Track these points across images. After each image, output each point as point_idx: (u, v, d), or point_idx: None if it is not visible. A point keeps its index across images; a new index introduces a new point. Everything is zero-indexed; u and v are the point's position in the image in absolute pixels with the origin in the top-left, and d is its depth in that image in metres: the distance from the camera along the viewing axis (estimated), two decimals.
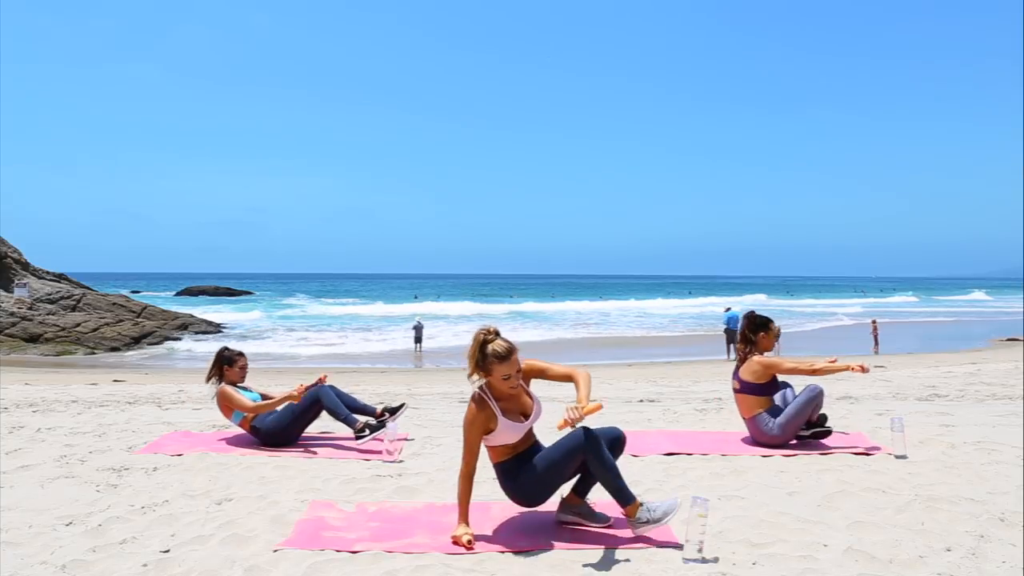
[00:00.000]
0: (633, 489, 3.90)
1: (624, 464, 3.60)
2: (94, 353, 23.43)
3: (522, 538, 3.23)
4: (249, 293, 68.96)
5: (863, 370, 4.85)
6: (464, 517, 3.21)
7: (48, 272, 30.52)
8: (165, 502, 3.78)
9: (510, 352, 3.19)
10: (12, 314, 24.91)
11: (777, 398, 5.02)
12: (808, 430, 4.91)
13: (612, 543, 3.14)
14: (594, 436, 3.16)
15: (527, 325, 35.93)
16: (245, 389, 5.38)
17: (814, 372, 4.93)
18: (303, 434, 5.31)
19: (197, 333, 28.51)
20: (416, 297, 64.54)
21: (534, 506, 3.41)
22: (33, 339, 24.09)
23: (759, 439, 4.97)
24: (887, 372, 11.50)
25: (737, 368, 5.10)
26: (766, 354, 5.04)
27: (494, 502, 3.73)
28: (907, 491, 3.81)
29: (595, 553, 3.04)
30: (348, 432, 5.17)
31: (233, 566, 2.91)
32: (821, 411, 4.94)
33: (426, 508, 3.70)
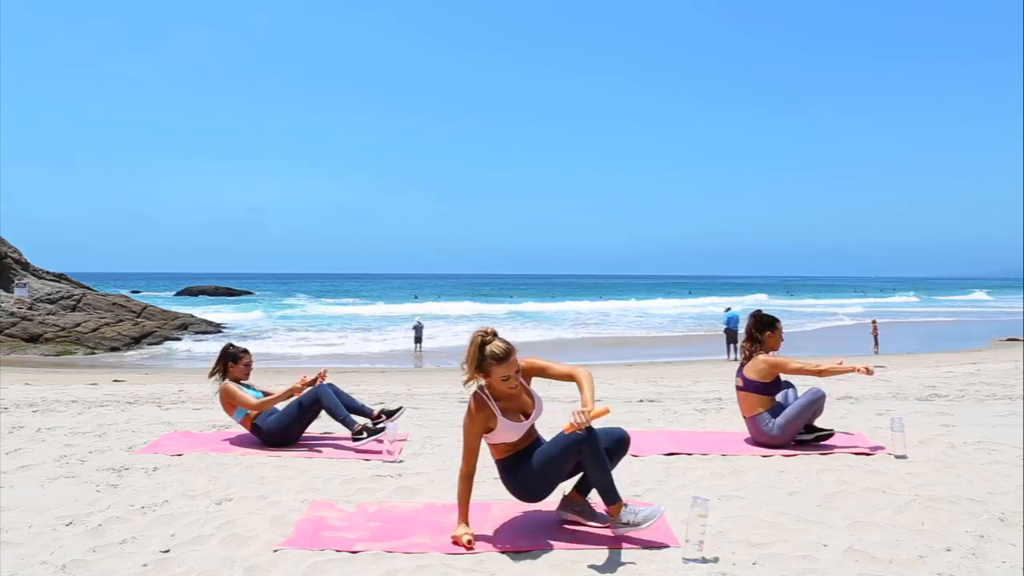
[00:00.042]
0: (633, 489, 3.92)
1: (624, 464, 3.61)
2: (94, 353, 23.43)
3: (522, 538, 3.23)
4: (249, 293, 68.97)
5: (868, 372, 4.85)
6: (464, 517, 3.21)
7: (48, 272, 30.53)
8: (165, 502, 3.78)
9: (508, 353, 3.17)
10: (12, 314, 24.91)
11: (779, 397, 5.02)
12: (809, 434, 4.90)
13: (612, 543, 3.13)
14: (592, 435, 3.15)
15: (527, 325, 35.92)
16: (248, 387, 5.37)
17: (820, 373, 4.92)
18: (303, 434, 5.31)
19: (197, 333, 28.51)
20: (416, 297, 64.54)
21: (535, 502, 3.41)
22: (33, 339, 24.10)
23: (759, 439, 4.96)
24: (887, 372, 11.50)
25: (741, 366, 5.10)
26: (772, 354, 5.04)
27: (494, 502, 3.73)
28: (907, 491, 3.81)
29: (595, 553, 3.04)
30: (348, 432, 5.17)
31: (233, 566, 2.91)
32: (817, 421, 4.93)
33: (426, 508, 3.70)
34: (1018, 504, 3.56)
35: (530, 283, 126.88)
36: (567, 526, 3.38)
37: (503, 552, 3.07)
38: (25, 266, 29.26)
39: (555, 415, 5.56)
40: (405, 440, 5.31)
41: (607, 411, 3.07)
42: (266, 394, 5.32)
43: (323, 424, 5.64)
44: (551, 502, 3.51)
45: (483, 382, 3.25)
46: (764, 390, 4.94)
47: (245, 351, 5.49)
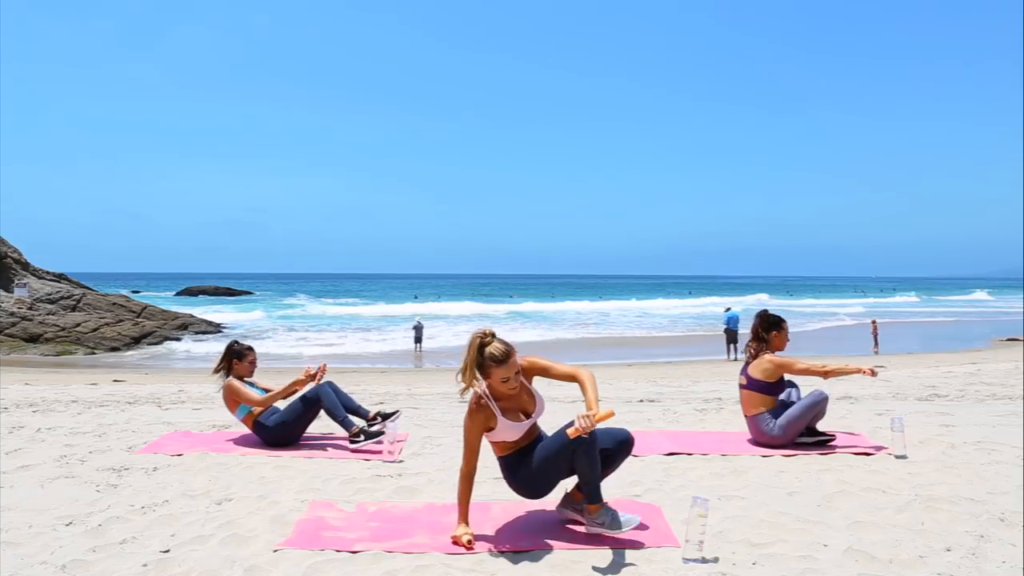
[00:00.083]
0: (633, 489, 3.93)
1: (624, 464, 3.60)
2: (94, 353, 23.43)
3: (522, 538, 3.23)
4: (249, 293, 68.97)
5: (872, 373, 4.86)
6: (464, 517, 3.21)
7: (48, 272, 30.53)
8: (165, 502, 3.78)
9: (508, 355, 3.15)
10: (12, 314, 24.91)
11: (782, 396, 5.01)
12: (811, 437, 4.89)
13: (612, 543, 3.13)
14: (591, 436, 3.14)
15: (527, 325, 35.92)
16: (251, 384, 5.37)
17: (826, 374, 4.92)
18: (303, 434, 5.31)
19: (197, 333, 28.52)
20: (416, 297, 64.55)
21: (537, 498, 3.41)
22: (33, 339, 24.10)
23: (759, 439, 4.96)
24: (887, 372, 11.50)
25: (746, 365, 5.09)
26: (778, 354, 5.03)
27: (494, 502, 3.73)
28: (907, 491, 3.81)
29: (595, 553, 3.04)
30: (346, 433, 5.16)
31: (233, 566, 2.91)
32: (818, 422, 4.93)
33: (426, 508, 3.70)
34: (1018, 504, 3.55)
35: (530, 283, 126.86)
36: (568, 526, 3.38)
37: (503, 552, 3.07)
38: (25, 266, 29.26)
39: (555, 415, 5.56)
40: (405, 440, 5.31)
41: (611, 414, 3.04)
42: (268, 391, 5.32)
43: (323, 424, 5.64)
44: (551, 501, 3.51)
45: (483, 383, 3.24)
46: (768, 390, 4.93)
47: (250, 348, 5.48)
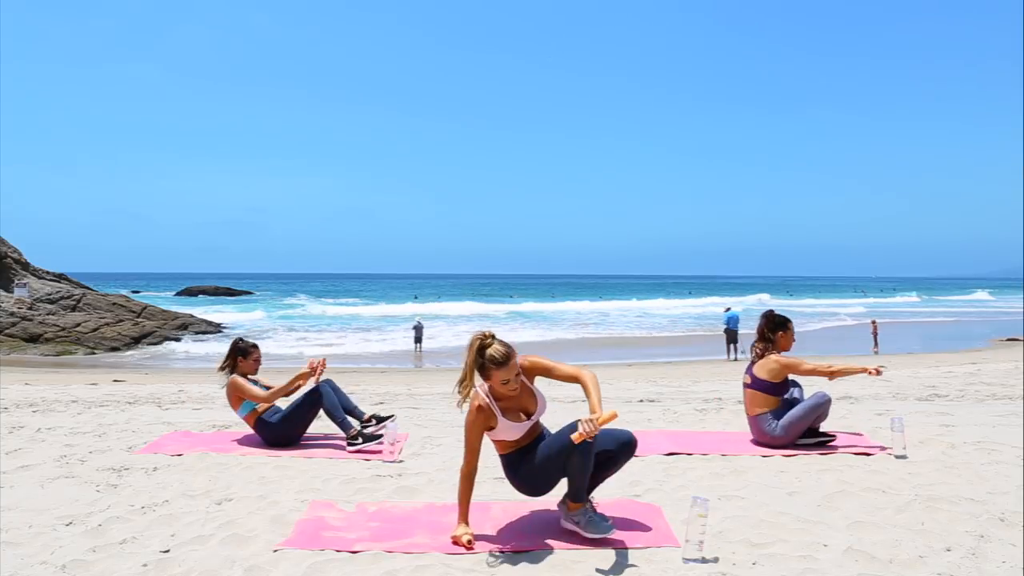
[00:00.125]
0: (633, 489, 3.93)
1: (625, 464, 3.60)
2: (94, 353, 23.43)
3: (522, 538, 3.23)
4: (249, 293, 68.97)
5: (877, 373, 4.87)
6: (464, 517, 3.21)
7: (48, 272, 30.54)
8: (165, 502, 3.78)
9: (508, 357, 3.15)
10: (12, 314, 24.91)
11: (785, 396, 5.01)
12: (811, 437, 4.89)
13: (612, 543, 3.13)
14: (586, 443, 3.11)
15: (527, 325, 35.93)
16: (254, 382, 5.37)
17: (832, 374, 4.92)
18: (304, 434, 5.31)
19: (197, 333, 28.51)
20: (416, 297, 64.55)
21: (537, 496, 3.41)
22: (33, 339, 24.10)
23: (760, 439, 4.96)
24: (887, 372, 11.49)
25: (752, 364, 5.09)
26: (784, 354, 5.02)
27: (494, 502, 3.73)
28: (907, 491, 3.81)
29: (595, 553, 3.04)
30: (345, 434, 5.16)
31: (233, 566, 2.91)
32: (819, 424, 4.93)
33: (426, 508, 3.70)
34: (1018, 504, 3.55)
35: (530, 283, 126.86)
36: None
37: (503, 552, 3.07)
38: (25, 266, 29.27)
39: (555, 415, 5.56)
40: (405, 440, 5.31)
41: (615, 416, 3.03)
42: (269, 388, 5.30)
43: (323, 425, 5.64)
44: (552, 501, 3.51)
45: (484, 384, 3.23)
46: (772, 390, 4.93)
47: (254, 346, 5.47)
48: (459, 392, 3.23)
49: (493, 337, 3.21)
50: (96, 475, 4.32)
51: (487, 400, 3.21)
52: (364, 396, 8.82)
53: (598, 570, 2.87)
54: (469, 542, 3.10)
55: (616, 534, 3.23)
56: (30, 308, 25.67)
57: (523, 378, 3.29)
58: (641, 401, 8.04)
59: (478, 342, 3.19)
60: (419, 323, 25.14)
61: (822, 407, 4.82)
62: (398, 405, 7.82)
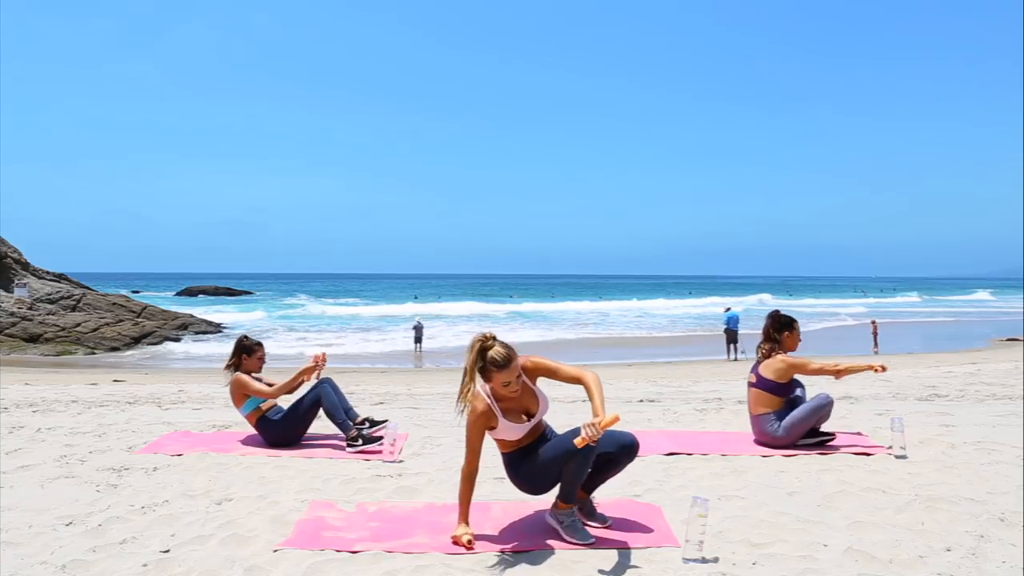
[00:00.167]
0: (633, 489, 3.94)
1: None
2: (94, 353, 23.43)
3: (522, 538, 3.23)
4: (249, 293, 68.97)
5: (883, 369, 4.88)
6: (464, 517, 3.21)
7: (48, 272, 30.54)
8: (165, 502, 3.78)
9: (509, 360, 3.14)
10: (12, 314, 24.91)
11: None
12: (812, 438, 4.89)
13: (612, 543, 3.13)
14: (588, 448, 3.09)
15: (527, 325, 35.93)
16: (258, 380, 5.37)
17: (838, 373, 4.92)
18: (305, 434, 5.31)
19: (197, 333, 28.52)
20: (416, 297, 64.56)
21: (537, 494, 3.41)
22: (33, 339, 24.10)
23: (761, 438, 4.96)
24: (887, 372, 11.50)
25: (758, 363, 5.09)
26: (790, 354, 5.01)
27: (494, 502, 3.73)
28: (907, 491, 3.81)
29: (595, 553, 3.04)
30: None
31: (233, 566, 2.91)
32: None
33: (426, 508, 3.70)
34: (1018, 504, 3.55)
35: (530, 283, 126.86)
36: None
37: (503, 552, 3.07)
38: (25, 266, 29.27)
39: (555, 415, 5.57)
40: (405, 440, 5.30)
41: (617, 419, 3.02)
42: (271, 385, 5.30)
43: (324, 425, 5.64)
44: (552, 501, 3.51)
45: (486, 385, 3.23)
46: (777, 390, 4.92)
47: (259, 344, 5.47)
48: (459, 401, 3.22)
49: (494, 339, 3.20)
50: (96, 475, 4.32)
51: (488, 401, 3.21)
52: (364, 396, 8.82)
53: (598, 570, 2.87)
54: (469, 542, 3.10)
55: (616, 534, 3.23)
56: (30, 308, 25.67)
57: (525, 379, 3.28)
58: (641, 401, 8.04)
59: (479, 344, 3.18)
60: (419, 323, 25.15)
61: (824, 409, 4.82)
62: (398, 405, 7.83)
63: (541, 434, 3.39)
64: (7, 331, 24.02)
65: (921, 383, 9.33)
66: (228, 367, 5.37)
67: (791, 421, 4.82)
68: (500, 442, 3.35)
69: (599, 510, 3.43)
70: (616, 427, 3.18)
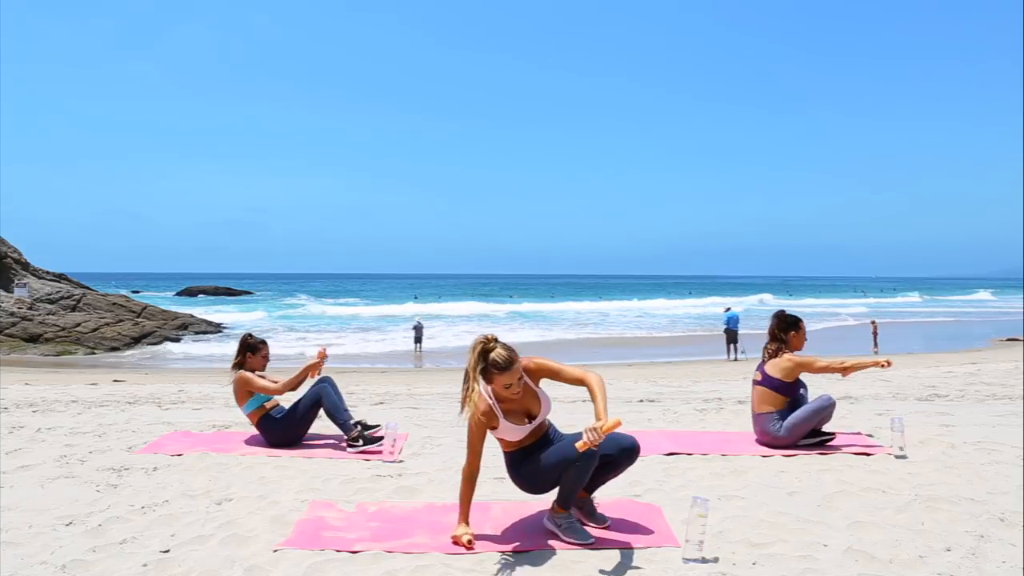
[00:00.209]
0: (633, 489, 3.94)
1: None
2: (94, 353, 23.43)
3: (522, 538, 3.23)
4: (249, 293, 68.97)
5: (888, 364, 4.92)
6: (464, 517, 3.21)
7: (48, 272, 30.54)
8: (165, 502, 3.78)
9: (511, 362, 3.13)
10: (12, 314, 24.91)
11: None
12: (812, 438, 4.89)
13: (612, 543, 3.14)
14: (590, 453, 3.10)
15: (527, 325, 35.92)
16: (262, 378, 5.36)
17: (844, 371, 4.93)
18: (305, 434, 5.31)
19: (197, 333, 28.52)
20: (416, 297, 64.56)
21: (537, 494, 3.41)
22: (33, 339, 24.10)
23: (762, 438, 4.96)
24: (887, 372, 11.50)
25: (763, 362, 5.09)
26: (797, 353, 5.01)
27: (494, 502, 3.73)
28: (907, 491, 3.81)
29: (596, 553, 3.04)
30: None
31: (233, 566, 2.91)
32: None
33: (426, 508, 3.70)
34: (1018, 504, 3.55)
35: (530, 283, 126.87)
36: None
37: (503, 552, 3.07)
38: (25, 266, 29.27)
39: (555, 415, 5.56)
40: (405, 440, 5.30)
41: (619, 423, 3.02)
42: (275, 383, 5.29)
43: (324, 425, 5.64)
44: (552, 500, 3.51)
45: (488, 387, 3.22)
46: (783, 389, 4.92)
47: (263, 342, 5.46)
48: (463, 412, 3.21)
49: (496, 340, 3.18)
50: (96, 475, 4.32)
51: (490, 401, 3.20)
52: (364, 396, 8.82)
53: (598, 570, 2.87)
54: (469, 542, 3.10)
55: (616, 534, 3.23)
56: (30, 308, 25.67)
57: (527, 380, 3.27)
58: (641, 401, 8.04)
59: (481, 346, 3.17)
60: (419, 323, 25.15)
61: (826, 410, 4.83)
62: (398, 405, 7.83)
63: (544, 434, 3.39)
64: (7, 331, 24.02)
65: (921, 383, 9.33)
66: (235, 366, 5.37)
67: (793, 421, 4.82)
68: (502, 441, 3.35)
69: (599, 510, 3.43)
70: (618, 429, 3.18)
